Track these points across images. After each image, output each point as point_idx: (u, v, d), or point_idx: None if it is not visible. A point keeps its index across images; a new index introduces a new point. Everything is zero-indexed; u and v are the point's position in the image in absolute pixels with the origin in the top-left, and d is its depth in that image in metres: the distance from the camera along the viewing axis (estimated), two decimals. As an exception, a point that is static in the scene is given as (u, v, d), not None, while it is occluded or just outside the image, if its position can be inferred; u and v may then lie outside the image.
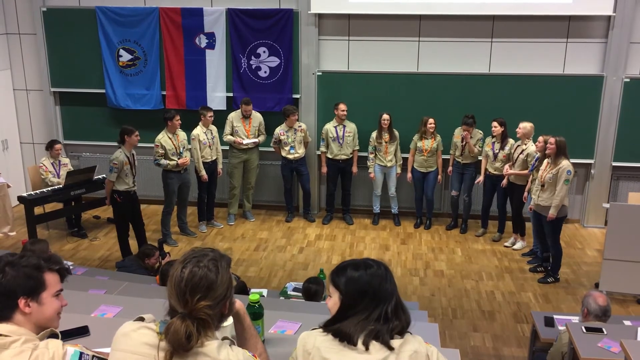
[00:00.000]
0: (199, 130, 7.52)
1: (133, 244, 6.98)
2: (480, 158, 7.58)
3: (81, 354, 2.01)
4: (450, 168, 7.78)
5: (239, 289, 4.66)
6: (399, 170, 7.92)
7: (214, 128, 7.68)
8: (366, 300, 1.96)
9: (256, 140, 7.90)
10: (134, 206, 6.91)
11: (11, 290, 2.00)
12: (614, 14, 7.45)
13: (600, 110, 7.77)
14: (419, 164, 7.81)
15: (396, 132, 7.80)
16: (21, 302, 2.00)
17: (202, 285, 1.83)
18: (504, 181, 7.18)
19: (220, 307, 1.90)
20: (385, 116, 7.65)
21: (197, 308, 1.82)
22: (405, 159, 7.94)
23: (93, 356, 2.05)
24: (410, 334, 2.02)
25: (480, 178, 7.49)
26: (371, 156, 7.93)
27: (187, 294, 1.83)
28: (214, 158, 7.71)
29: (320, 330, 2.01)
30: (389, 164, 7.85)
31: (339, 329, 1.96)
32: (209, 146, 7.59)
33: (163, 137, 7.11)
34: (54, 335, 2.10)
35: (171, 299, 1.87)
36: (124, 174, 6.62)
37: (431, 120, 7.60)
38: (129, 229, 6.96)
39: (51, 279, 2.08)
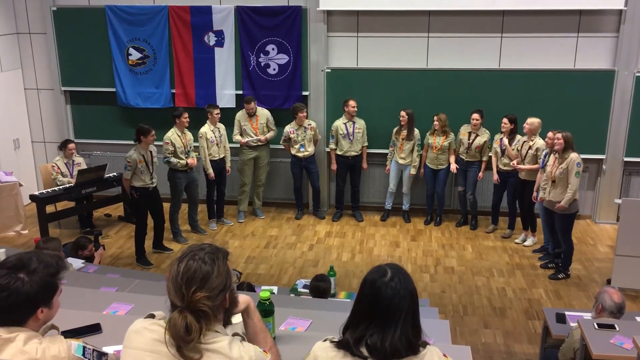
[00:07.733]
0: (206, 129, 7.53)
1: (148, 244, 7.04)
2: (484, 158, 7.54)
3: (84, 347, 2.05)
4: (454, 165, 7.72)
5: (247, 287, 4.67)
6: (412, 171, 7.85)
7: (221, 126, 7.70)
8: (381, 310, 1.91)
9: (260, 137, 7.91)
10: (152, 202, 6.95)
11: (33, 300, 1.99)
12: (625, 8, 7.38)
13: (611, 105, 7.70)
14: (430, 160, 7.78)
15: (417, 132, 7.74)
16: (39, 311, 2.02)
17: (197, 276, 1.85)
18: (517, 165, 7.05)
19: (220, 299, 1.90)
20: (402, 113, 7.63)
21: (194, 300, 1.83)
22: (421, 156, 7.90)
23: (93, 350, 2.09)
24: (426, 346, 1.94)
25: (494, 177, 7.42)
26: (390, 149, 7.93)
27: (183, 287, 1.84)
28: (221, 156, 7.72)
29: (332, 345, 1.94)
30: (400, 161, 7.83)
31: (347, 343, 1.88)
32: (217, 144, 7.60)
33: (173, 135, 7.15)
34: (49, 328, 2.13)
35: (170, 295, 1.88)
36: (139, 171, 6.70)
37: (436, 118, 7.57)
38: (147, 227, 6.98)
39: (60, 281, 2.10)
